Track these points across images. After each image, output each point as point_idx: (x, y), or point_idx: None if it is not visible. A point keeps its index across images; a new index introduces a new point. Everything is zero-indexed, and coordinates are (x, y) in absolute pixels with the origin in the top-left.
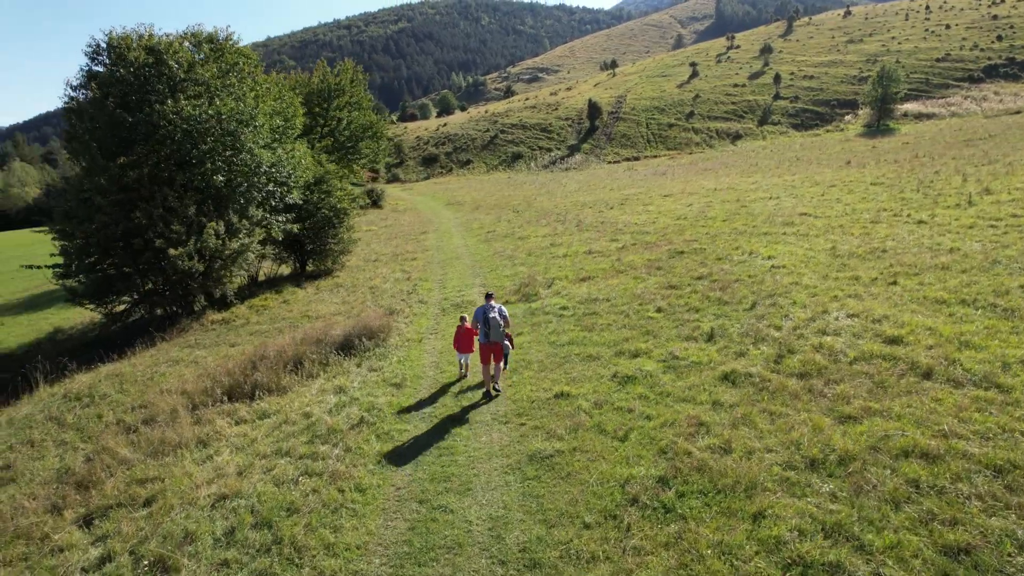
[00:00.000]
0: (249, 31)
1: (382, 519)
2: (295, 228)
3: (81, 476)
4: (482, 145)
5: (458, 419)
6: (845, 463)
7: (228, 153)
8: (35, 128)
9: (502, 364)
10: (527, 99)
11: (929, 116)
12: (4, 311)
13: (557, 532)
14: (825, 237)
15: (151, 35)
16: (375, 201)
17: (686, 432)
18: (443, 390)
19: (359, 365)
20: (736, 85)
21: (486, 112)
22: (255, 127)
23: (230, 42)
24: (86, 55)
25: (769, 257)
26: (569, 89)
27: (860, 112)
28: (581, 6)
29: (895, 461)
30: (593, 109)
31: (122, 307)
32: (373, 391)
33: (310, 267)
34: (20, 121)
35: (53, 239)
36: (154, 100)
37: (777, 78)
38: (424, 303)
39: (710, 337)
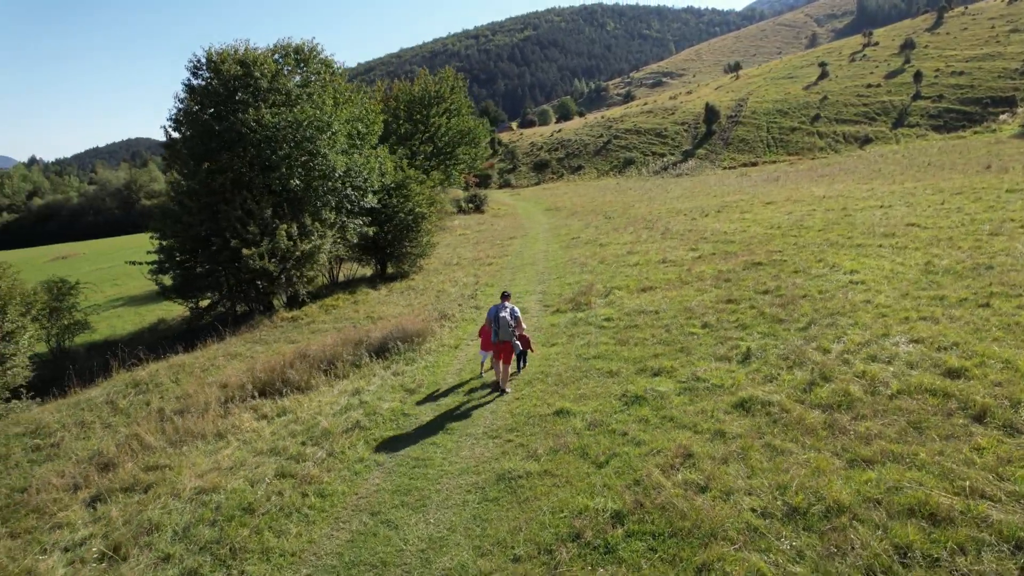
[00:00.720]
0: (383, 44)
1: (329, 528)
2: (371, 231)
3: (107, 458)
4: (595, 151)
5: (450, 430)
6: (831, 516)
7: (304, 158)
8: None
9: (513, 365)
10: (645, 103)
11: None
12: (131, 303)
13: (483, 562)
14: (926, 250)
15: (248, 49)
16: (477, 206)
17: (669, 463)
18: (453, 397)
19: (387, 368)
20: (870, 85)
21: (602, 118)
22: (332, 133)
23: (314, 53)
24: (188, 69)
25: (851, 271)
26: (689, 93)
27: (1020, 110)
28: (710, 7)
29: (892, 520)
30: (710, 113)
31: (206, 302)
32: (384, 396)
33: (390, 269)
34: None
35: (151, 238)
36: (239, 109)
37: (918, 76)
38: (478, 309)
39: (745, 358)
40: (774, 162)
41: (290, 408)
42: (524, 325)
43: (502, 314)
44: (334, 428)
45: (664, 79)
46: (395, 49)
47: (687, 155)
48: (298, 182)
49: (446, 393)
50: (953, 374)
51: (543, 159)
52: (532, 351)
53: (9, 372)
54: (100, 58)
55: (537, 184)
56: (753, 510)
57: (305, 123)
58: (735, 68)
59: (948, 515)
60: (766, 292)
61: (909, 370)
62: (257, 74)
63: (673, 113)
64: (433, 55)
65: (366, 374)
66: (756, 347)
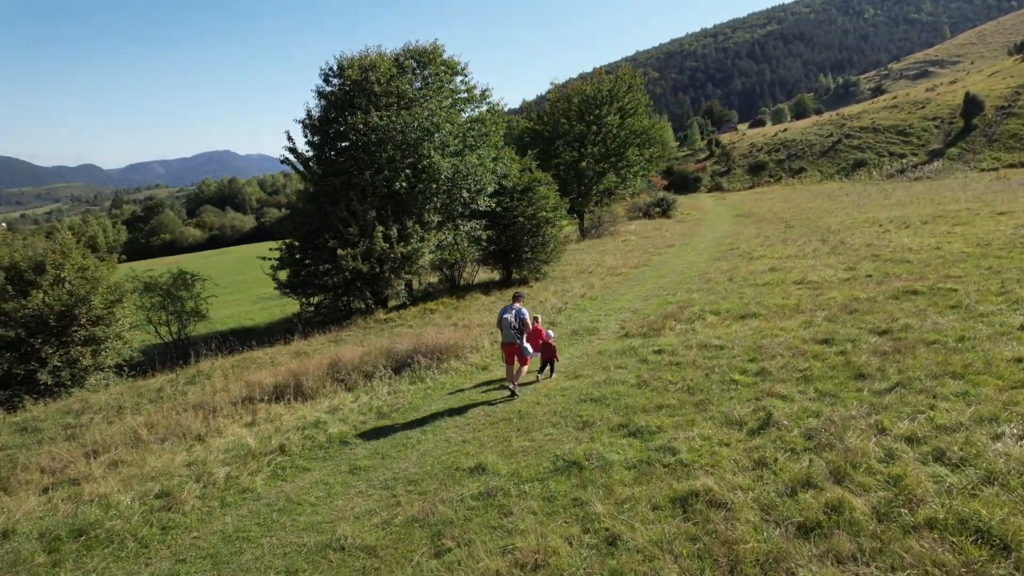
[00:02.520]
0: (621, 47)
1: (125, 571)
2: (484, 234)
3: (97, 447)
4: (820, 152)
5: (358, 470)
6: None
7: (409, 160)
8: None
9: (523, 367)
10: (894, 97)
11: None
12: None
13: None
14: None
15: (381, 55)
16: (664, 210)
17: (504, 573)
18: (412, 428)
19: (390, 385)
20: None
21: (836, 115)
22: (442, 135)
23: (437, 54)
24: (320, 77)
25: None
26: (952, 83)
27: None
28: None
29: None
30: (970, 105)
31: (316, 299)
32: (349, 417)
33: (515, 275)
34: None
35: (274, 238)
36: (353, 112)
37: None
38: (552, 325)
39: (762, 426)
40: None
41: (273, 417)
42: (549, 332)
43: (506, 316)
44: (258, 450)
45: (931, 68)
46: (631, 52)
47: (934, 155)
48: (403, 184)
49: (413, 421)
50: None
51: (760, 161)
52: (557, 359)
53: (103, 351)
54: None
55: (750, 188)
56: None
57: (415, 125)
58: (1021, 48)
59: None
60: (883, 333)
61: (979, 486)
62: (372, 78)
63: (923, 107)
64: (668, 56)
65: (368, 389)
66: (788, 412)
